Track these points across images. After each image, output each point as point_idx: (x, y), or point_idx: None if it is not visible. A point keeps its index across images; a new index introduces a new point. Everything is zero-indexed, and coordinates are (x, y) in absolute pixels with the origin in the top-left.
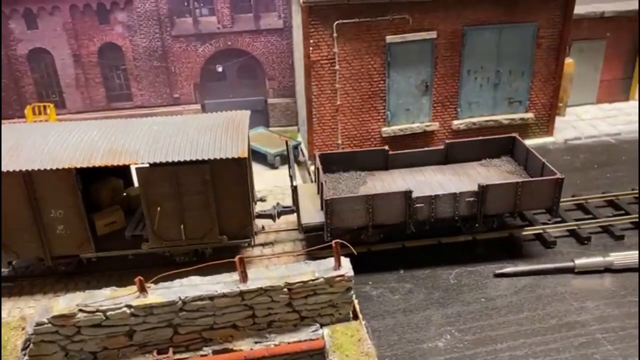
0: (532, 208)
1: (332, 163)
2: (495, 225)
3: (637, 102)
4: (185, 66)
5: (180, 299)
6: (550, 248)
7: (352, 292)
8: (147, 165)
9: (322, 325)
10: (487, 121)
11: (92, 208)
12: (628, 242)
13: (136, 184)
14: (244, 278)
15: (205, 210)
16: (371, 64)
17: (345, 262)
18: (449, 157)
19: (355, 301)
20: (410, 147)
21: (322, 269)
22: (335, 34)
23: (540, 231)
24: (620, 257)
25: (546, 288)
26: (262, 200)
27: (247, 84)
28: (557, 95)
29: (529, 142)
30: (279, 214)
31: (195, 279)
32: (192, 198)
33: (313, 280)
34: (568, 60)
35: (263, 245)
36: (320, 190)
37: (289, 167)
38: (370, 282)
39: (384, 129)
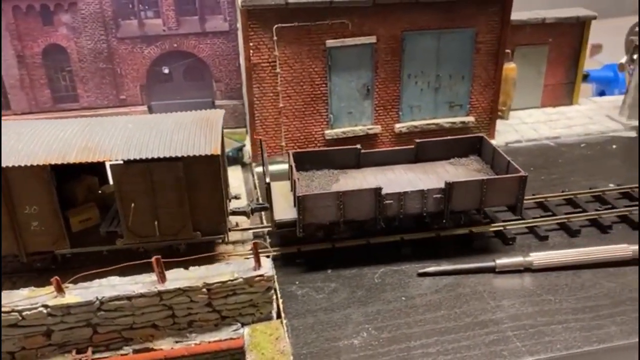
0: (497, 205)
1: (306, 161)
2: (462, 221)
3: (579, 106)
4: (132, 68)
5: (97, 299)
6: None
7: (273, 291)
8: (121, 162)
9: (243, 325)
10: (428, 124)
11: (67, 205)
12: (581, 242)
13: (111, 181)
14: (161, 278)
15: (179, 206)
16: (312, 67)
17: (266, 262)
18: (418, 156)
19: (280, 300)
20: None
21: (242, 269)
22: (275, 38)
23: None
24: (540, 257)
25: (466, 287)
26: (236, 197)
27: (194, 86)
28: (497, 99)
29: None
30: (253, 211)
31: (114, 279)
32: (166, 195)
33: (232, 280)
34: (511, 65)
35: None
36: (293, 188)
37: (263, 165)
38: (297, 282)
39: (327, 131)
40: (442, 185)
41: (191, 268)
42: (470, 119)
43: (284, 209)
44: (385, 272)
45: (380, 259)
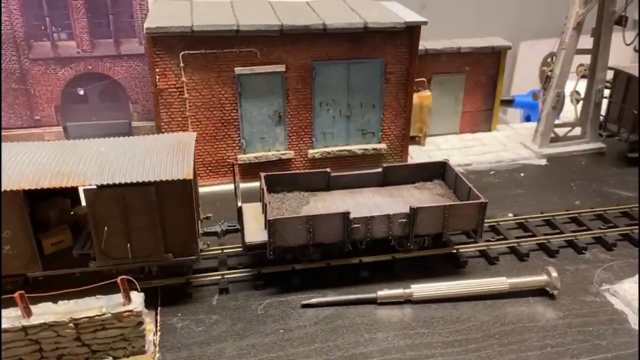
0: (459, 229)
1: (277, 184)
2: (426, 244)
3: (497, 133)
4: (46, 89)
5: None
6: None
7: (144, 325)
8: (95, 186)
9: (114, 359)
10: (341, 151)
11: (39, 227)
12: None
13: (84, 203)
14: (26, 313)
15: (152, 229)
16: (222, 93)
17: (136, 297)
18: (386, 179)
19: (158, 333)
20: None
21: (111, 304)
22: (182, 64)
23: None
24: (419, 289)
25: (346, 319)
26: (207, 218)
27: (111, 107)
28: (409, 127)
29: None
30: (225, 233)
31: None
32: (139, 218)
33: (100, 315)
34: (426, 93)
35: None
36: (264, 210)
37: (235, 188)
38: (179, 314)
39: (239, 156)
40: (407, 210)
41: (60, 302)
42: (383, 145)
43: (255, 232)
44: (271, 303)
45: (268, 290)
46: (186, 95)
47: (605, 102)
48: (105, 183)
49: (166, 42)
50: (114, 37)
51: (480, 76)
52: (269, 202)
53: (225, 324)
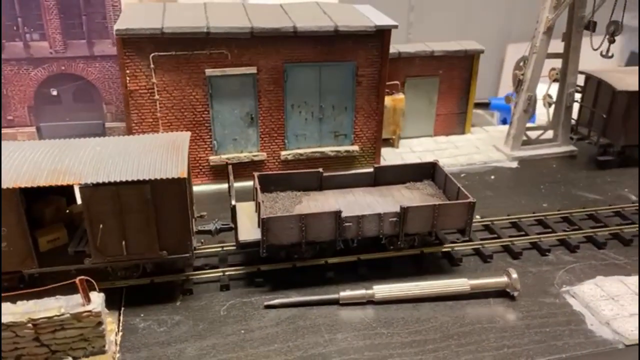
0: (448, 228)
1: (270, 183)
2: (416, 243)
3: (471, 135)
4: (18, 89)
5: None
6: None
7: (104, 326)
8: (91, 185)
9: (74, 359)
10: (314, 152)
11: (35, 225)
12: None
13: (79, 202)
14: None
15: (146, 227)
16: (193, 94)
17: (96, 297)
18: (377, 179)
19: (120, 333)
20: (240, 176)
21: (70, 304)
22: (152, 65)
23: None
24: (381, 290)
25: (307, 320)
26: (201, 216)
27: (85, 108)
28: (381, 129)
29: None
30: (218, 231)
31: None
32: (134, 216)
33: (59, 315)
34: (399, 96)
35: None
36: (257, 209)
37: (229, 187)
38: (142, 314)
39: (211, 157)
40: (398, 209)
41: (18, 302)
42: (355, 147)
43: (248, 230)
44: (234, 304)
45: (232, 292)
46: (157, 97)
47: (577, 106)
48: (101, 181)
49: (136, 43)
50: (87, 38)
51: (454, 79)
52: (263, 201)
53: (187, 324)
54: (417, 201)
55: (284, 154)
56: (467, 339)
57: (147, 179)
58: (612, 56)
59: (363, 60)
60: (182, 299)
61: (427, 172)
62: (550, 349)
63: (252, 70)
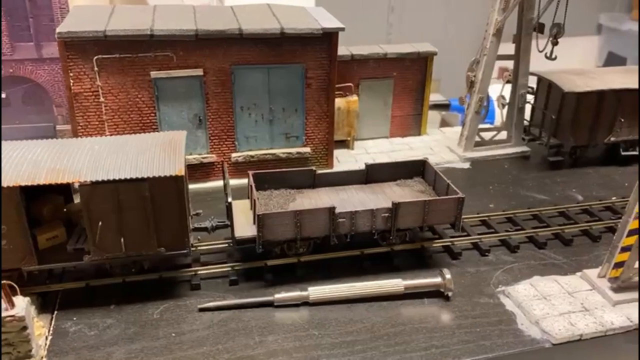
0: (438, 223)
1: (265, 181)
2: (407, 238)
3: (427, 137)
4: None
5: None
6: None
7: (29, 330)
8: (90, 183)
9: None
10: (265, 154)
11: (34, 223)
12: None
13: (76, 200)
14: None
15: (145, 224)
16: (139, 97)
17: (20, 302)
18: (368, 177)
19: (49, 337)
20: (190, 178)
21: None
22: (96, 68)
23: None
24: (316, 291)
25: (240, 322)
26: (197, 214)
27: (35, 111)
28: (332, 131)
29: None
30: (214, 228)
31: None
32: (132, 213)
33: None
34: (353, 98)
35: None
36: (252, 206)
37: (224, 186)
38: (75, 317)
39: None
40: (390, 205)
41: None
42: (307, 149)
43: (244, 227)
44: (168, 307)
45: (168, 294)
46: (102, 99)
47: (530, 107)
48: (100, 179)
49: (79, 46)
50: (35, 41)
51: (408, 81)
52: (258, 198)
53: (119, 327)
54: (408, 197)
55: (234, 155)
56: (397, 339)
57: (145, 176)
58: (555, 58)
59: (312, 63)
60: (116, 302)
61: (417, 169)
62: (478, 349)
63: (199, 72)
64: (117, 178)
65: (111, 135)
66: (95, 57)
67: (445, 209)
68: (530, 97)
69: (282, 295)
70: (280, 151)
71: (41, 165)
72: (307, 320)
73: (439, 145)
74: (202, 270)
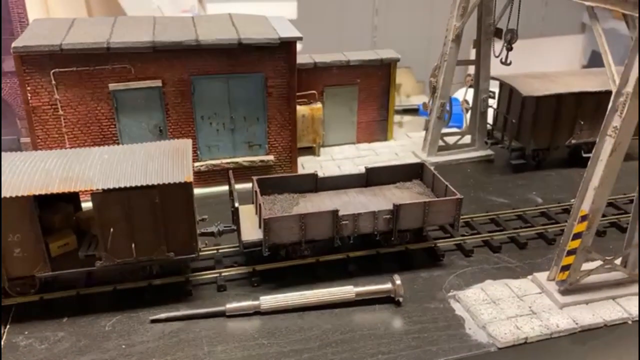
0: (438, 223)
1: (268, 186)
2: (408, 239)
3: (393, 142)
4: None
5: None
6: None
7: None
8: (102, 190)
9: None
10: (228, 163)
11: (45, 231)
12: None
13: (84, 208)
14: None
15: (155, 230)
16: (98, 109)
17: None
18: (369, 180)
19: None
20: None
21: None
22: (54, 82)
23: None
24: (267, 300)
25: (191, 333)
26: (203, 220)
27: None
28: (295, 138)
29: None
30: (221, 233)
31: None
32: (143, 219)
33: None
34: (317, 105)
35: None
36: (257, 211)
37: (230, 192)
38: (27, 332)
39: None
40: (391, 207)
41: None
42: (270, 157)
43: (250, 231)
44: (121, 319)
45: (122, 306)
46: (61, 112)
47: (494, 112)
48: (111, 187)
49: (36, 60)
50: None
51: (373, 88)
52: (263, 203)
53: (70, 340)
54: (407, 199)
55: (197, 164)
56: (345, 347)
57: (155, 183)
58: (510, 63)
59: (271, 72)
60: (70, 315)
61: (416, 172)
62: (424, 354)
63: (157, 83)
64: (128, 185)
65: (71, 147)
66: (53, 71)
67: (444, 209)
68: (493, 102)
69: (233, 305)
70: (243, 159)
71: (54, 175)
72: (258, 329)
73: (405, 150)
74: (159, 281)
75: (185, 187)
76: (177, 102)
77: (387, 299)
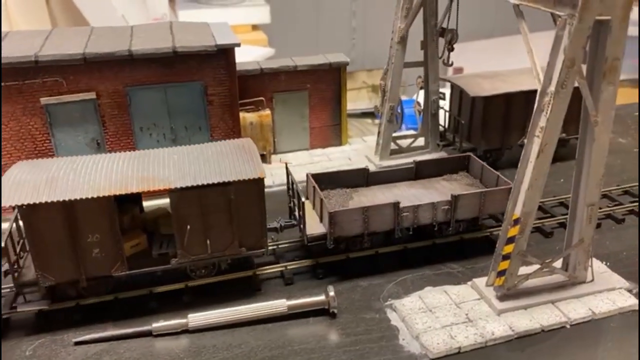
0: (492, 212)
1: (321, 182)
2: (461, 229)
3: (348, 146)
4: None
5: None
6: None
7: None
8: (179, 189)
9: None
10: None
11: None
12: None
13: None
14: None
15: (228, 226)
16: (31, 124)
17: None
18: (417, 173)
19: None
20: None
21: None
22: None
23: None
24: (195, 318)
25: (115, 354)
26: None
27: None
28: None
29: None
30: (282, 228)
31: None
32: (217, 216)
33: None
34: (266, 112)
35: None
36: (317, 205)
37: (292, 187)
38: None
39: None
40: (445, 198)
41: None
42: None
43: (312, 225)
44: (44, 342)
45: (41, 328)
46: None
47: (446, 113)
48: (189, 185)
49: None
50: None
51: (324, 92)
52: (323, 198)
53: None
54: (458, 191)
55: None
56: None
57: (230, 180)
58: (452, 64)
59: (211, 80)
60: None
61: (462, 164)
62: None
63: (92, 95)
64: (205, 183)
65: (6, 164)
66: None
67: (499, 198)
68: (445, 103)
69: (160, 324)
70: None
71: (130, 175)
72: (185, 348)
73: (358, 154)
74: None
75: (259, 183)
76: (113, 114)
77: (322, 311)
